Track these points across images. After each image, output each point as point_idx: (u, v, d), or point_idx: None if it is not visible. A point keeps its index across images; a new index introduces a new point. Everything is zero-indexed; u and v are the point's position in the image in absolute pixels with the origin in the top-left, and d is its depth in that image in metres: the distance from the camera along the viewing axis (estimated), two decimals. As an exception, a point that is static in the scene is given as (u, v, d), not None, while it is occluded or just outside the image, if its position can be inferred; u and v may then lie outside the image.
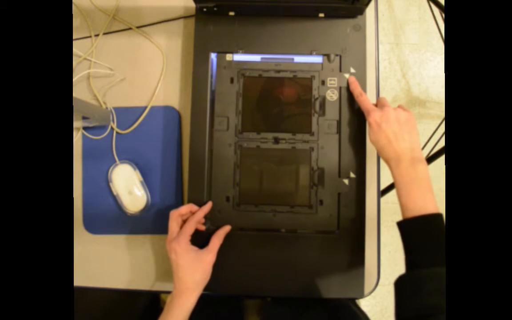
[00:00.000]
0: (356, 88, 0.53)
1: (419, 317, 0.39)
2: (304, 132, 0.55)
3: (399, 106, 0.51)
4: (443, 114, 1.30)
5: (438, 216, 0.43)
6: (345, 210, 0.54)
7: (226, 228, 0.53)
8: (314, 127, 0.55)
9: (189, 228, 0.50)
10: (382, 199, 0.67)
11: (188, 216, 0.52)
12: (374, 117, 0.49)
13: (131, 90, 0.61)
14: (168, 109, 0.60)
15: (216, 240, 0.51)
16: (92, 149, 0.60)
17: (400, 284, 0.44)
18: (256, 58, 0.56)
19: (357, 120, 0.54)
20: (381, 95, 0.56)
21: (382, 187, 1.02)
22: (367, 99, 0.52)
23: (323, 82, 0.55)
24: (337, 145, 0.55)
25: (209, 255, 0.49)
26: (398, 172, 0.47)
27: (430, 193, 0.45)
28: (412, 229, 0.44)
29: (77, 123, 0.58)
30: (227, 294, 0.50)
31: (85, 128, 0.60)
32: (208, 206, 0.53)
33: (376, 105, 0.52)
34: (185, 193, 0.59)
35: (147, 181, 0.59)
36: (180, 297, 0.48)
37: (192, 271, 0.48)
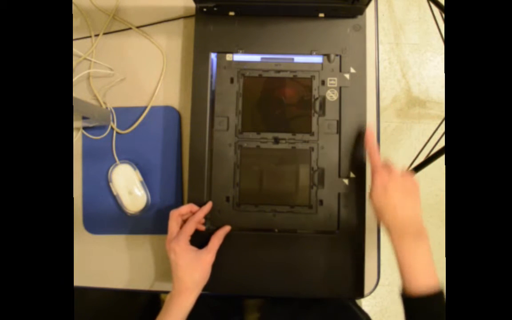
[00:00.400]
0: (371, 141, 0.51)
1: None
2: (304, 132, 0.55)
3: (406, 171, 0.50)
4: (443, 114, 1.30)
5: (440, 294, 0.43)
6: (345, 210, 0.54)
7: (226, 228, 0.53)
8: (314, 127, 0.55)
9: (189, 228, 0.50)
10: (382, 199, 0.67)
11: (188, 216, 0.52)
12: (381, 178, 0.47)
13: (131, 90, 0.61)
14: (168, 109, 0.60)
15: (216, 240, 0.51)
16: (92, 149, 0.60)
17: None
18: (256, 58, 0.56)
19: (357, 120, 0.54)
20: (382, 95, 0.56)
21: (382, 187, 1.02)
22: (379, 155, 0.50)
23: (323, 82, 0.55)
24: (337, 145, 0.55)
25: (208, 255, 0.49)
26: (401, 245, 0.45)
27: (432, 267, 0.45)
28: (416, 308, 0.44)
29: (77, 123, 0.58)
30: (227, 294, 0.50)
31: (85, 128, 0.60)
32: (208, 206, 0.53)
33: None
34: (185, 193, 0.59)
35: (147, 181, 0.59)
36: (179, 296, 0.48)
37: (191, 271, 0.48)
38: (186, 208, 0.52)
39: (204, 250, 0.50)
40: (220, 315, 0.63)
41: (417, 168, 0.91)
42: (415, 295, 0.44)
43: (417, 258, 0.45)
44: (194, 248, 0.50)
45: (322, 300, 0.59)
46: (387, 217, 0.47)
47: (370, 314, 0.60)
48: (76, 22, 0.62)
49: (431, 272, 0.45)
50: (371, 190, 0.49)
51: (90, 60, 0.61)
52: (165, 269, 0.59)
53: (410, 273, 0.45)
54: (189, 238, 0.50)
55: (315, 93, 0.55)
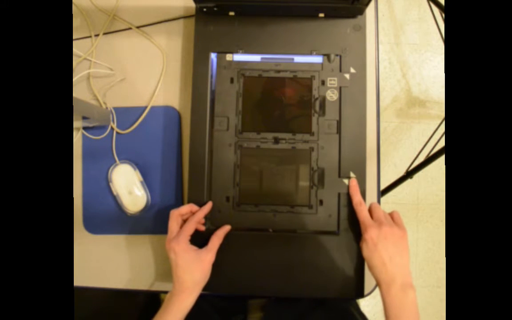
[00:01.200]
0: (356, 195, 0.53)
1: None
2: (304, 132, 0.55)
3: (393, 216, 0.51)
4: (443, 114, 1.31)
5: None
6: (345, 210, 0.54)
7: (226, 228, 0.53)
8: (314, 127, 0.55)
9: (189, 228, 0.50)
10: (382, 199, 0.67)
11: (188, 216, 0.52)
12: (371, 235, 0.49)
13: (131, 90, 0.61)
14: (168, 109, 0.60)
15: (216, 240, 0.51)
16: (92, 149, 0.60)
17: None
18: (256, 58, 0.56)
19: (357, 120, 0.54)
20: (382, 95, 0.56)
21: (382, 187, 1.02)
22: (365, 210, 0.51)
23: (323, 82, 0.55)
24: (337, 145, 0.55)
25: (208, 254, 0.49)
26: (388, 295, 0.47)
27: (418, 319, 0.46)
28: None
29: (77, 123, 0.58)
30: (226, 294, 0.50)
31: (85, 128, 0.60)
32: (208, 206, 0.53)
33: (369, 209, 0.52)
34: (185, 193, 0.59)
35: (147, 181, 0.59)
36: (178, 296, 0.48)
37: (191, 271, 0.48)
38: (186, 208, 0.52)
39: (204, 249, 0.50)
40: (224, 314, 0.63)
41: (417, 168, 0.92)
42: None
43: (404, 309, 0.46)
44: (194, 248, 0.50)
45: (324, 303, 0.59)
46: (377, 270, 0.48)
47: (370, 314, 0.60)
48: (76, 22, 0.62)
49: None
50: (362, 242, 0.50)
51: (90, 60, 0.61)
52: (165, 269, 0.59)
53: None
54: (189, 238, 0.50)
55: (315, 93, 0.55)
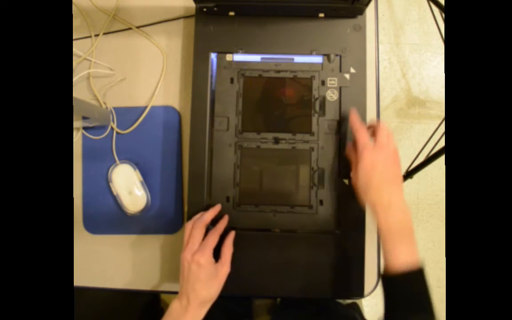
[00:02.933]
0: (355, 121, 0.50)
1: None
2: (304, 132, 0.55)
3: (389, 136, 0.49)
4: (443, 114, 1.30)
5: (420, 272, 0.44)
6: (345, 210, 0.54)
7: (231, 235, 0.52)
8: (314, 127, 0.55)
9: (213, 241, 0.49)
10: (382, 199, 0.67)
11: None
12: (369, 156, 0.47)
13: (131, 90, 0.61)
14: (168, 109, 0.60)
15: (227, 251, 0.50)
16: (92, 149, 0.60)
17: None
18: (256, 58, 0.56)
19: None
20: (382, 95, 0.56)
21: (382, 187, 1.02)
22: (366, 131, 0.49)
23: (323, 82, 0.55)
24: (337, 145, 0.55)
25: (224, 267, 0.48)
26: (385, 220, 0.46)
27: (414, 244, 0.46)
28: (394, 286, 0.45)
29: (77, 123, 0.58)
30: (227, 294, 0.50)
31: (85, 128, 0.60)
32: (217, 209, 0.53)
33: (369, 127, 0.51)
34: (185, 193, 0.59)
35: (147, 181, 0.59)
36: (195, 311, 0.46)
37: (210, 286, 0.47)
38: (211, 215, 0.51)
39: (219, 263, 0.49)
40: (230, 317, 0.63)
41: (417, 168, 0.91)
42: (393, 274, 0.44)
43: (401, 232, 0.45)
44: (213, 261, 0.48)
45: (330, 310, 0.59)
46: (373, 194, 0.47)
47: (370, 314, 0.60)
48: (76, 22, 0.62)
49: (413, 250, 0.45)
50: (358, 169, 0.48)
51: (90, 60, 0.61)
52: (165, 269, 0.59)
53: (392, 248, 0.45)
54: (212, 251, 0.49)
55: (315, 93, 0.55)
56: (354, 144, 0.51)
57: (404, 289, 0.44)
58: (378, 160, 0.47)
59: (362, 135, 0.49)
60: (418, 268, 0.44)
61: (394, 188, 0.47)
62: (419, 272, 0.44)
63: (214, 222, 0.54)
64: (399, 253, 0.44)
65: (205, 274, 0.46)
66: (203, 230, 0.49)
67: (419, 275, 0.44)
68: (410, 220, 0.46)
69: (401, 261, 0.44)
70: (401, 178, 0.49)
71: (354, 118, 0.51)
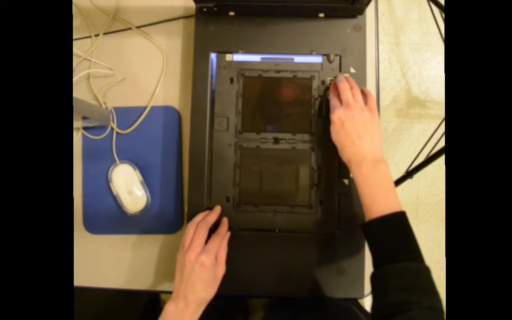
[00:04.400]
0: (334, 82, 0.53)
1: (388, 315, 0.39)
2: (304, 132, 0.55)
3: (367, 101, 0.50)
4: (443, 114, 1.30)
5: (401, 214, 0.43)
6: (345, 210, 0.54)
7: (227, 236, 0.52)
8: (314, 127, 0.55)
9: (217, 245, 0.49)
10: (382, 199, 0.67)
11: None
12: (338, 115, 0.48)
13: (131, 90, 0.61)
14: (168, 109, 0.60)
15: (223, 252, 0.50)
16: (92, 149, 0.60)
17: (371, 282, 0.44)
18: (256, 58, 0.56)
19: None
20: (382, 95, 0.56)
21: (382, 187, 1.02)
22: (335, 95, 0.51)
23: (323, 82, 0.55)
24: (337, 145, 0.55)
25: (220, 268, 0.49)
26: (360, 173, 0.46)
27: (393, 192, 0.45)
28: (376, 230, 0.44)
29: (77, 123, 0.58)
30: (226, 294, 0.50)
31: (85, 128, 0.60)
32: (218, 210, 0.53)
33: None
34: (185, 193, 0.59)
35: (147, 181, 0.59)
36: (192, 313, 0.46)
37: (209, 287, 0.47)
38: (214, 217, 0.51)
39: (216, 264, 0.49)
40: (224, 315, 0.63)
41: (417, 168, 0.92)
42: (375, 217, 0.43)
43: (377, 183, 0.45)
44: (215, 263, 0.49)
45: (323, 302, 0.59)
46: (347, 150, 0.48)
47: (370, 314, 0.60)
48: (76, 22, 0.62)
49: (392, 198, 0.44)
50: (331, 131, 0.50)
51: (90, 60, 0.61)
52: (165, 270, 0.59)
53: (370, 198, 0.45)
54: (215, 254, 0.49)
55: (315, 93, 0.55)
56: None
57: (383, 230, 0.43)
58: (345, 117, 0.48)
59: (331, 99, 0.51)
60: (400, 211, 0.43)
61: (366, 141, 0.47)
62: (399, 214, 0.43)
63: (214, 223, 0.54)
64: (376, 202, 0.44)
65: (207, 275, 0.47)
66: (206, 232, 0.49)
67: (399, 217, 0.43)
68: (387, 171, 0.46)
69: (382, 206, 0.43)
70: (375, 131, 0.48)
71: (334, 81, 0.53)
